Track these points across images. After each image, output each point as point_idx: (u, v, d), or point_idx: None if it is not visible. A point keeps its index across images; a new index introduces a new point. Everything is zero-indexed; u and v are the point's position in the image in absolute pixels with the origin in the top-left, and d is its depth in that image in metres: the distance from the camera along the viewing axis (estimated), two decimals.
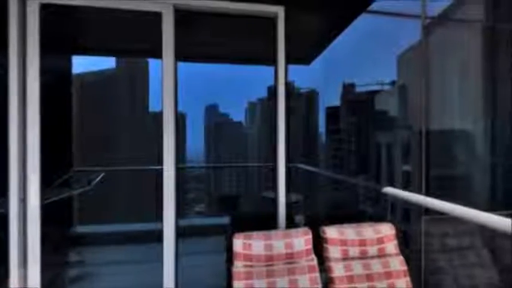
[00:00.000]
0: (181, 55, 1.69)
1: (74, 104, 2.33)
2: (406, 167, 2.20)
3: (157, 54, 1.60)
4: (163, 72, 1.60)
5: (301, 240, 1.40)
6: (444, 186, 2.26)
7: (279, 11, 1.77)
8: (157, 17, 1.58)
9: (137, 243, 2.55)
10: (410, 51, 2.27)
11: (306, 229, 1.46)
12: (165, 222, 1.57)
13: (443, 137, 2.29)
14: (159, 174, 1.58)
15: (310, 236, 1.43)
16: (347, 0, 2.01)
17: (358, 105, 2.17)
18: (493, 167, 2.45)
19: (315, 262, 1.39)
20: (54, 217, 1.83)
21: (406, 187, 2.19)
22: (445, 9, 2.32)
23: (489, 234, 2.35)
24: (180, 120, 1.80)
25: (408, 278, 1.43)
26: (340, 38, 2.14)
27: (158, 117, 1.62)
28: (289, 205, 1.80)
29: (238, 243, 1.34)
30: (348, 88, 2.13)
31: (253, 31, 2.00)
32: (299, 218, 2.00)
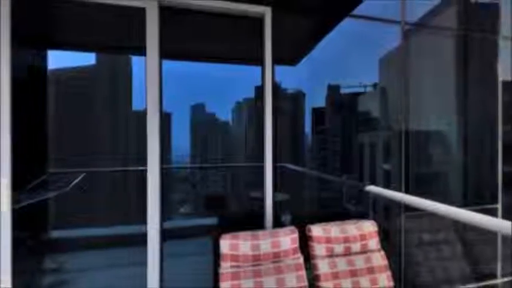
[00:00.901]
0: (166, 53, 1.65)
1: (50, 102, 2.20)
2: (387, 166, 2.30)
3: (141, 51, 1.55)
4: (147, 70, 1.56)
5: (288, 239, 1.42)
6: (422, 183, 2.38)
7: (266, 11, 1.78)
8: (141, 12, 1.53)
9: (120, 247, 2.45)
10: (391, 55, 2.37)
11: (292, 228, 1.48)
12: (149, 224, 1.53)
13: (421, 137, 2.42)
14: (143, 175, 1.54)
15: (296, 235, 1.45)
16: (332, 4, 2.07)
17: (342, 106, 2.24)
18: (465, 166, 2.62)
19: (301, 260, 1.41)
20: (28, 222, 1.72)
21: (387, 185, 2.29)
22: (423, 16, 2.45)
23: (461, 228, 2.51)
24: (165, 120, 1.76)
25: (389, 273, 1.49)
26: (325, 40, 2.20)
27: (142, 116, 1.57)
28: (276, 204, 1.82)
29: (225, 244, 1.33)
30: (333, 90, 2.19)
31: (241, 31, 2.00)
32: (286, 217, 2.03)
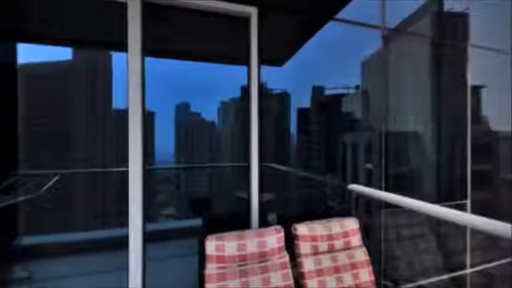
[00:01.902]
0: (149, 50, 1.60)
1: (21, 99, 2.04)
2: (368, 166, 2.39)
3: (123, 47, 1.49)
4: (128, 68, 1.50)
5: (274, 238, 1.43)
6: (400, 181, 2.51)
7: (253, 11, 1.79)
8: (122, 7, 1.47)
9: (99, 252, 2.34)
10: (372, 59, 2.47)
11: (278, 227, 1.49)
12: (130, 227, 1.47)
13: (399, 138, 2.54)
14: (125, 176, 1.48)
15: (282, 234, 1.47)
16: (316, 7, 2.11)
17: (326, 107, 2.29)
18: (438, 164, 2.79)
19: (286, 259, 1.43)
20: None
21: (368, 184, 2.38)
22: (401, 23, 2.58)
23: (435, 223, 2.67)
24: (148, 119, 1.71)
25: (370, 267, 1.55)
26: (311, 43, 2.24)
27: (123, 115, 1.51)
28: (262, 204, 1.82)
29: (211, 245, 1.31)
30: (318, 91, 2.24)
31: (227, 30, 1.98)
32: (271, 217, 2.04)
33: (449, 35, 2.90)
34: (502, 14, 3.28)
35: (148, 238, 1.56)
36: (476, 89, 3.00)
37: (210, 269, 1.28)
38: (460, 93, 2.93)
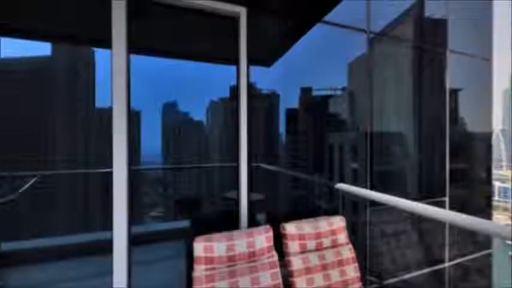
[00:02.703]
0: (135, 47, 1.55)
1: None
2: (354, 165, 2.45)
3: (106, 44, 1.44)
4: (113, 65, 1.45)
5: (263, 238, 1.43)
6: (384, 180, 2.60)
7: (242, 11, 1.78)
8: (106, 2, 1.42)
9: (81, 257, 2.24)
10: (358, 61, 2.54)
11: (267, 227, 1.50)
12: (115, 231, 1.42)
13: (383, 138, 2.63)
14: (109, 177, 1.43)
15: (271, 234, 1.48)
16: (304, 9, 2.15)
17: (314, 108, 2.33)
18: (419, 163, 2.92)
19: (275, 258, 1.44)
20: None
21: (354, 183, 2.45)
22: (385, 27, 2.67)
23: (416, 219, 2.79)
24: (134, 118, 1.66)
25: (356, 264, 1.60)
26: (299, 45, 2.27)
27: (107, 114, 1.45)
28: (251, 204, 1.82)
29: (199, 246, 1.30)
30: (306, 92, 2.27)
31: (216, 29, 1.97)
32: (260, 217, 2.05)
33: (429, 40, 3.04)
34: (479, 21, 3.48)
35: (134, 241, 1.52)
36: (454, 92, 3.17)
37: (198, 270, 1.27)
38: (439, 95, 3.08)
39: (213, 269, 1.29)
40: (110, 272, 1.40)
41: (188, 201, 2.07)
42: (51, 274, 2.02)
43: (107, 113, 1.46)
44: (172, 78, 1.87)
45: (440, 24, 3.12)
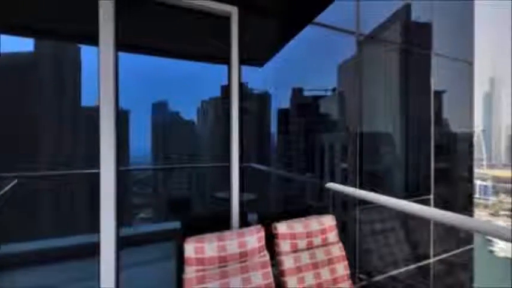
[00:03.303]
0: (123, 45, 1.51)
1: None
2: (344, 165, 2.50)
3: (93, 41, 1.39)
4: (100, 63, 1.41)
5: (255, 238, 1.43)
6: (373, 179, 2.66)
7: (233, 10, 1.78)
8: None
9: (66, 261, 2.16)
10: (348, 63, 2.59)
11: (258, 227, 1.50)
12: (102, 233, 1.38)
13: (372, 138, 2.69)
14: (96, 178, 1.38)
15: (262, 234, 1.48)
16: (295, 10, 2.16)
17: (305, 108, 2.36)
18: (406, 163, 3.01)
19: (267, 258, 1.44)
20: None
21: (344, 182, 2.49)
22: (374, 29, 2.74)
23: (403, 217, 2.88)
24: (123, 118, 1.62)
25: (346, 262, 1.63)
26: (290, 46, 2.29)
27: (94, 112, 1.41)
28: (242, 204, 1.82)
29: (190, 248, 1.28)
30: (297, 92, 2.30)
31: (208, 28, 1.95)
32: (252, 216, 2.05)
33: (415, 43, 3.15)
34: (462, 26, 3.63)
35: (123, 243, 1.48)
36: (438, 94, 3.29)
37: (189, 272, 1.25)
38: (425, 97, 3.19)
39: (204, 270, 1.28)
40: (97, 275, 1.36)
41: (179, 202, 2.04)
42: (34, 279, 1.94)
43: (94, 112, 1.41)
44: (162, 77, 1.83)
45: (425, 28, 3.24)
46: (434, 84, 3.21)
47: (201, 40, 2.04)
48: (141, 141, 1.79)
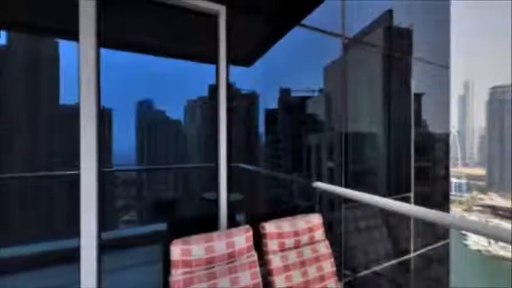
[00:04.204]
0: (106, 41, 1.46)
1: None
2: (330, 164, 2.56)
3: (73, 35, 1.33)
4: (80, 59, 1.34)
5: (243, 238, 1.43)
6: (357, 178, 2.74)
7: (221, 9, 1.76)
8: None
9: (42, 268, 2.04)
10: (333, 65, 2.65)
11: (247, 227, 1.50)
12: (83, 238, 1.32)
13: (357, 138, 2.78)
14: (75, 180, 1.32)
15: (251, 233, 1.48)
16: (284, 10, 2.19)
17: (293, 109, 2.39)
18: (388, 162, 3.13)
19: (255, 258, 1.44)
20: None
21: (330, 181, 2.55)
22: (358, 33, 2.82)
23: (386, 214, 2.99)
24: (105, 117, 1.56)
25: (332, 259, 1.67)
26: (278, 46, 2.31)
27: (75, 111, 1.34)
28: (230, 205, 1.81)
29: (176, 250, 1.26)
30: (284, 93, 2.32)
31: (195, 27, 1.92)
32: (240, 217, 2.04)
33: (397, 47, 3.28)
34: (439, 33, 3.84)
35: (105, 247, 1.42)
36: (418, 96, 3.45)
37: (175, 275, 1.23)
38: (405, 99, 3.33)
39: (191, 272, 1.26)
40: (77, 282, 1.30)
41: (165, 203, 1.99)
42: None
43: (75, 110, 1.35)
44: (148, 75, 1.78)
45: (406, 34, 3.39)
46: (414, 87, 3.37)
47: (188, 38, 2.00)
48: (126, 141, 1.73)
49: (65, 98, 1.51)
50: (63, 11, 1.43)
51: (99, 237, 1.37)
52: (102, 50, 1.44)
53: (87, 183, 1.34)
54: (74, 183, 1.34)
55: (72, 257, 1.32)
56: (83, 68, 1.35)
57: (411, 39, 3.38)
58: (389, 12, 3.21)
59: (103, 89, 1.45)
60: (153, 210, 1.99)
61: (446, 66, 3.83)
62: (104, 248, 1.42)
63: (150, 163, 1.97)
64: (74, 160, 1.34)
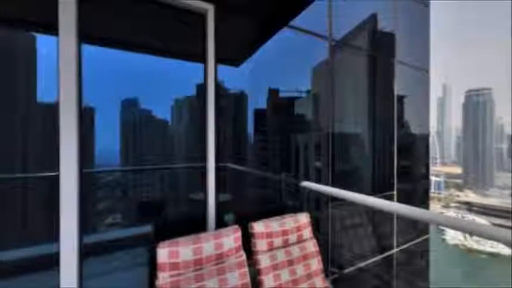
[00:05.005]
0: (87, 36, 1.40)
1: None
2: (318, 164, 2.60)
3: (52, 29, 1.26)
4: (60, 54, 1.28)
5: (231, 238, 1.43)
6: (344, 177, 2.81)
7: (209, 8, 1.75)
8: None
9: (17, 276, 1.91)
10: (320, 66, 2.70)
11: (235, 227, 1.49)
12: (62, 242, 1.26)
13: (343, 139, 2.85)
14: (55, 181, 1.26)
15: (239, 234, 1.48)
16: (272, 11, 2.20)
17: (281, 109, 2.42)
18: (373, 162, 3.24)
19: (243, 258, 1.44)
20: None
21: (318, 180, 2.60)
22: (345, 36, 2.90)
23: (371, 212, 3.09)
24: (87, 115, 1.49)
25: (319, 257, 1.70)
26: (267, 47, 2.32)
27: (54, 110, 1.28)
28: (219, 205, 1.80)
29: (163, 252, 1.23)
30: (273, 93, 2.34)
31: (183, 25, 1.88)
32: (228, 217, 2.03)
33: (381, 50, 3.40)
34: (420, 38, 4.02)
35: (87, 252, 1.37)
36: (400, 98, 3.59)
37: (162, 278, 1.20)
38: (389, 101, 3.46)
39: (179, 274, 1.24)
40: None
41: (151, 205, 1.94)
42: None
43: (53, 109, 1.28)
44: (133, 73, 1.73)
45: (389, 37, 3.51)
46: (397, 89, 3.51)
47: (176, 37, 1.96)
48: (109, 140, 1.66)
49: (43, 95, 1.43)
50: (40, 3, 1.35)
51: (80, 241, 1.32)
52: (86, 47, 1.38)
53: (67, 185, 1.28)
54: (53, 186, 1.27)
55: (51, 263, 1.26)
56: (63, 65, 1.29)
57: (394, 43, 3.51)
58: (374, 17, 3.32)
59: (85, 87, 1.39)
60: (139, 212, 1.93)
61: (426, 70, 4.01)
62: (86, 252, 1.36)
63: (136, 164, 1.91)
64: (53, 161, 1.27)
